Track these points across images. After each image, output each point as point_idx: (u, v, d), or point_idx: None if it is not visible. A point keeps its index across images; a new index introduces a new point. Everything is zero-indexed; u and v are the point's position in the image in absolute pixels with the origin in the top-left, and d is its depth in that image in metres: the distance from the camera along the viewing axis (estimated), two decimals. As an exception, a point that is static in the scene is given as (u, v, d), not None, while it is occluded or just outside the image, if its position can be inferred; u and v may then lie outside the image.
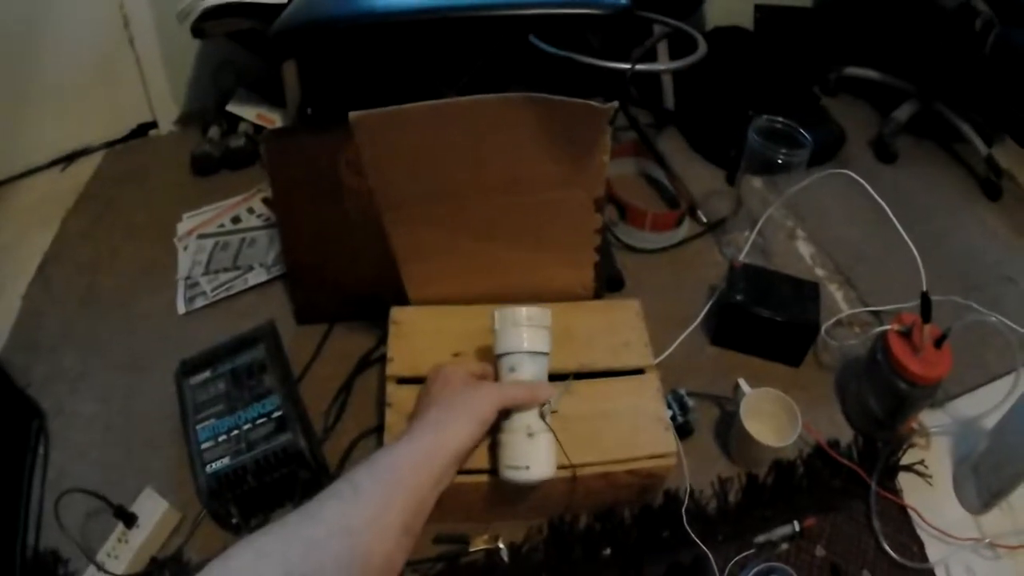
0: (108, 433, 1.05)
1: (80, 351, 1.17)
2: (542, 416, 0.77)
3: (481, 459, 0.81)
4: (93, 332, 1.20)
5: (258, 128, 1.54)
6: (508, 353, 0.79)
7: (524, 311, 0.79)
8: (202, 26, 1.31)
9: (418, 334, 0.94)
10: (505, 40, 1.08)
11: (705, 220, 1.34)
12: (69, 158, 1.57)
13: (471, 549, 0.89)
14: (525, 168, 0.80)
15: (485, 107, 0.73)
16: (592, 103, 0.71)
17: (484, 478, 0.81)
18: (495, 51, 1.10)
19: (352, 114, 0.72)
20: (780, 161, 1.14)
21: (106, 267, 1.32)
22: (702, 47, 1.25)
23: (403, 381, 0.89)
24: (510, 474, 0.77)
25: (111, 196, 1.48)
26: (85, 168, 1.55)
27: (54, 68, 1.47)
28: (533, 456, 0.76)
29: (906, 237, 0.94)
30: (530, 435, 0.76)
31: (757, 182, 1.21)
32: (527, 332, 0.79)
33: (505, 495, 0.84)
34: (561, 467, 0.80)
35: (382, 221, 0.83)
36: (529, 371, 0.79)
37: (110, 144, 1.60)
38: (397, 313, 0.96)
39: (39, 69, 1.45)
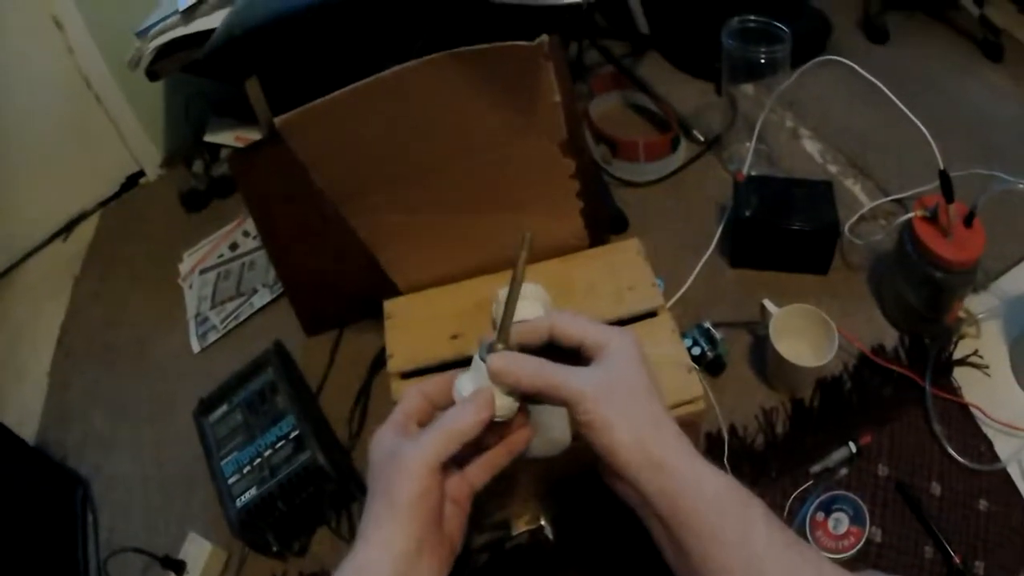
0: (146, 486, 1.06)
1: (107, 412, 1.18)
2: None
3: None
4: (117, 390, 1.21)
5: (240, 151, 1.52)
6: None
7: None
8: (154, 68, 1.29)
9: (414, 323, 0.89)
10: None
11: (702, 138, 1.26)
12: (68, 227, 1.58)
13: (514, 533, 0.85)
14: (473, 128, 0.74)
15: (410, 75, 0.67)
16: (519, 43, 0.65)
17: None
18: (437, 14, 1.05)
19: (276, 120, 0.68)
20: (763, 60, 1.06)
21: (119, 323, 1.32)
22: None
23: (407, 375, 0.85)
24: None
25: (113, 253, 1.49)
26: (86, 232, 1.56)
27: (32, 146, 1.47)
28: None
29: (910, 114, 0.86)
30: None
31: (748, 88, 1.13)
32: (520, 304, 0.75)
33: (533, 474, 0.80)
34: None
35: (342, 216, 0.79)
36: None
37: (104, 203, 1.60)
38: (389, 306, 0.91)
39: (17, 150, 1.45)
